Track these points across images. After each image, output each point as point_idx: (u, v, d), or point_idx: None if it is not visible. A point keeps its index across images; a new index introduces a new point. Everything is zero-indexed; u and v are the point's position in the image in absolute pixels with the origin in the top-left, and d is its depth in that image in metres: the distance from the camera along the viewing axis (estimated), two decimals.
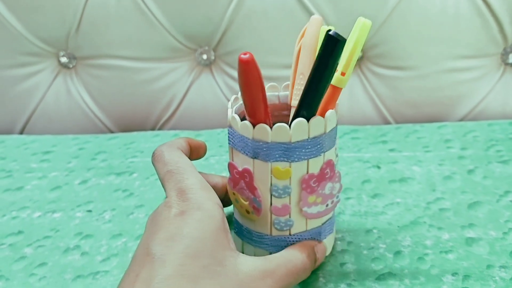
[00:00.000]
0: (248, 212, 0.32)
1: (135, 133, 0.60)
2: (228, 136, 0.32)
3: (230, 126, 0.31)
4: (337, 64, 0.27)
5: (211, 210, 0.28)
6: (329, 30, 0.26)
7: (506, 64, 0.59)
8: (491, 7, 0.55)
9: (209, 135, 0.57)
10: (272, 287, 0.27)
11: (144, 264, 0.25)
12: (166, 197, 0.30)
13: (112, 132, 0.67)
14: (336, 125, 0.31)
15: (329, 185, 0.31)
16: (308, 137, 0.29)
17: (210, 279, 0.25)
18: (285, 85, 0.35)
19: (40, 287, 0.35)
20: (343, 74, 0.28)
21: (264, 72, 0.27)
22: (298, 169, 0.30)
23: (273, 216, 0.31)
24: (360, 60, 0.61)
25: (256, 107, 0.29)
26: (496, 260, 0.34)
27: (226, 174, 0.34)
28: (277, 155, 0.29)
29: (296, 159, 0.29)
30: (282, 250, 0.31)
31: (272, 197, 0.31)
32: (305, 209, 0.31)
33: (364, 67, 0.61)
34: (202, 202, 0.28)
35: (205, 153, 0.36)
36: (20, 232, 0.41)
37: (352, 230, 0.38)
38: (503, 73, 0.59)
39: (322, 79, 0.27)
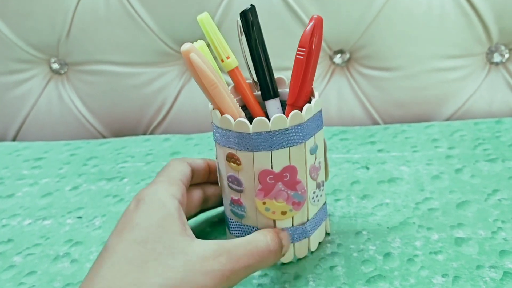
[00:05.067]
0: (284, 213, 0.33)
1: (126, 138, 0.60)
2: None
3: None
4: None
5: (163, 200, 0.30)
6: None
7: (491, 63, 0.59)
8: (475, 8, 0.55)
9: (200, 139, 0.57)
10: (226, 265, 0.27)
11: (99, 257, 0.27)
12: None
13: (104, 136, 0.67)
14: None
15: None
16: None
17: (155, 261, 0.26)
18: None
19: None
20: (222, 60, 0.33)
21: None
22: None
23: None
24: (347, 61, 0.61)
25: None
26: (486, 260, 0.33)
27: None
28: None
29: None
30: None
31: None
32: None
33: (351, 68, 0.62)
34: (157, 193, 0.30)
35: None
36: (10, 240, 0.41)
37: (341, 232, 0.38)
38: (488, 72, 0.60)
39: None
